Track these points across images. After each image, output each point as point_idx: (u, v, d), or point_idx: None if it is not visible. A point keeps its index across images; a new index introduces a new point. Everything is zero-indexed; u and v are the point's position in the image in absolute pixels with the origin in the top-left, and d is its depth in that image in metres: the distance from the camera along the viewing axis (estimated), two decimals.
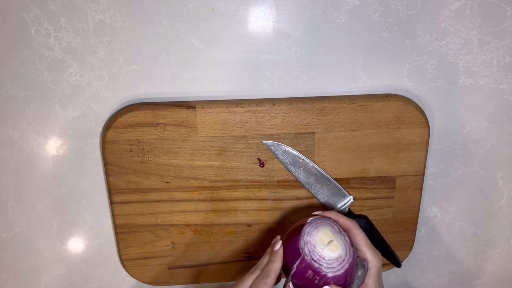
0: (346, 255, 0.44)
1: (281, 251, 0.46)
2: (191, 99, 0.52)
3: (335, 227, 0.46)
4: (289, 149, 0.52)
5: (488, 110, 0.54)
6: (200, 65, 0.51)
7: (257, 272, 0.46)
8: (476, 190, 0.59)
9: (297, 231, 0.46)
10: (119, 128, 0.50)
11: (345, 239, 0.45)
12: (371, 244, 0.47)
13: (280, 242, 0.47)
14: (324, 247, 0.44)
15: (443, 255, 0.63)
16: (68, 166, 0.55)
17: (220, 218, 0.56)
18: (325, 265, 0.44)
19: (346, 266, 0.44)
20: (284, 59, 0.51)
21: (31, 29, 0.48)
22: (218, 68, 0.51)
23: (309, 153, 0.53)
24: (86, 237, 0.58)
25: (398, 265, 0.57)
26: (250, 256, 0.58)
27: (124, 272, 0.60)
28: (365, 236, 0.47)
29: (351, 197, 0.54)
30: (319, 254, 0.44)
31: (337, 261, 0.44)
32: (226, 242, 0.57)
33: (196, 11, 0.48)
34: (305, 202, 0.55)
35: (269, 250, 0.47)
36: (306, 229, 0.46)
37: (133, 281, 0.61)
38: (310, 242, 0.45)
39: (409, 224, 0.58)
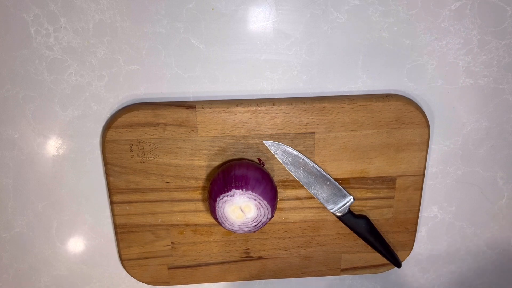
0: (256, 201, 0.48)
1: None
2: (191, 99, 0.52)
3: (230, 196, 0.48)
4: (289, 149, 0.52)
5: (488, 110, 0.54)
6: (200, 65, 0.51)
7: None
8: (476, 190, 0.59)
9: (212, 197, 0.50)
10: (119, 128, 0.50)
11: (243, 195, 0.48)
12: None
13: None
14: (244, 217, 0.49)
15: (443, 255, 0.63)
16: (68, 166, 0.55)
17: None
18: (241, 227, 0.50)
19: (266, 204, 0.49)
20: (284, 59, 0.51)
21: (31, 29, 0.48)
22: (218, 68, 0.51)
23: (309, 153, 0.53)
24: (86, 237, 0.58)
25: (398, 265, 0.57)
26: (250, 256, 0.58)
27: (124, 272, 0.60)
28: None
29: (351, 197, 0.54)
30: (234, 223, 0.50)
31: (253, 220, 0.50)
32: (226, 242, 0.57)
33: (196, 11, 0.48)
34: (305, 202, 0.55)
35: None
36: (218, 204, 0.49)
37: (133, 281, 0.61)
38: (223, 215, 0.49)
39: (409, 224, 0.58)
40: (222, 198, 0.48)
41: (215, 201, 0.49)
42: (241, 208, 0.49)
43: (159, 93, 0.52)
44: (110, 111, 0.52)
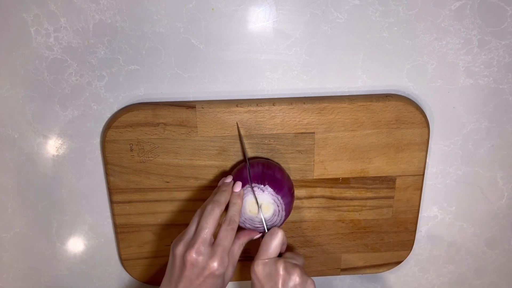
0: (278, 208, 0.49)
1: (242, 193, 0.48)
2: (191, 99, 0.52)
3: (259, 189, 0.48)
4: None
5: (488, 110, 0.54)
6: (200, 65, 0.51)
7: (207, 206, 0.46)
8: (476, 190, 0.59)
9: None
10: (119, 128, 0.50)
11: (272, 196, 0.48)
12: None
13: (240, 183, 0.48)
14: (256, 215, 0.49)
15: (443, 255, 0.63)
16: (68, 166, 0.55)
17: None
18: (245, 221, 0.49)
19: (283, 214, 0.49)
20: (284, 59, 0.51)
21: (31, 29, 0.48)
22: (218, 68, 0.51)
23: (309, 153, 0.53)
24: (86, 237, 0.58)
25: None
26: (250, 256, 0.58)
27: (124, 272, 0.60)
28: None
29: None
30: (253, 221, 0.49)
31: (259, 222, 0.49)
32: None
33: (196, 11, 0.48)
34: (305, 202, 0.55)
35: (223, 188, 0.48)
36: (244, 190, 0.49)
37: (133, 281, 0.61)
38: (242, 214, 0.49)
39: (409, 224, 0.58)
40: (253, 187, 0.48)
41: (243, 185, 0.49)
42: (261, 204, 0.49)
43: (159, 93, 0.52)
44: (110, 111, 0.52)
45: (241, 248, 0.49)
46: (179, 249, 0.44)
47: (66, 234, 0.58)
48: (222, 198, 0.46)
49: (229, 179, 0.49)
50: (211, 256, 0.43)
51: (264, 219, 0.49)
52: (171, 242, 0.56)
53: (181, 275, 0.44)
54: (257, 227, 0.50)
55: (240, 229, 0.50)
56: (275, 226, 0.50)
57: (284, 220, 0.50)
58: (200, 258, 0.43)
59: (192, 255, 0.43)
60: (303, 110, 0.51)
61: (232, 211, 0.46)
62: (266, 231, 0.50)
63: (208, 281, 0.44)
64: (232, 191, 0.48)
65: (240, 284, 0.63)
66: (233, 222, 0.46)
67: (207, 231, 0.44)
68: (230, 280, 0.59)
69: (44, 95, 0.51)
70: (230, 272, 0.47)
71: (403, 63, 0.52)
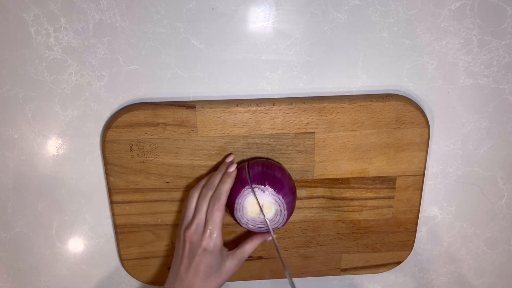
0: (279, 208, 0.49)
1: (234, 174, 0.49)
2: (191, 99, 0.52)
3: (260, 190, 0.48)
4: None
5: (488, 110, 0.54)
6: (200, 65, 0.51)
7: (202, 189, 0.49)
8: (476, 190, 0.59)
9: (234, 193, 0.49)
10: (119, 128, 0.50)
11: (273, 196, 0.48)
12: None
13: (235, 165, 0.50)
14: (258, 215, 0.49)
15: (443, 255, 0.63)
16: (68, 166, 0.55)
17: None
18: (248, 223, 0.50)
19: (285, 213, 0.49)
20: (284, 59, 0.51)
21: (31, 29, 0.48)
22: (218, 68, 0.51)
23: (309, 153, 0.53)
24: (86, 237, 0.58)
25: None
26: (250, 256, 0.58)
27: (124, 272, 0.60)
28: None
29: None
30: (256, 222, 0.50)
31: (275, 215, 0.49)
32: (226, 242, 0.57)
33: (196, 11, 0.48)
34: (305, 202, 0.55)
35: (221, 168, 0.51)
36: (244, 192, 0.49)
37: (133, 281, 0.61)
38: (242, 203, 0.49)
39: (409, 224, 0.58)
40: (253, 188, 0.48)
41: (243, 186, 0.48)
42: (263, 204, 0.49)
43: (159, 93, 0.52)
44: (110, 111, 0.52)
45: (253, 249, 0.50)
46: (181, 230, 0.49)
47: (66, 234, 0.58)
48: (216, 179, 0.49)
49: (230, 158, 0.51)
50: (202, 233, 0.47)
51: (267, 220, 0.49)
52: (171, 242, 0.57)
53: (182, 256, 0.48)
54: (260, 227, 0.50)
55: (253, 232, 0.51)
56: (278, 226, 0.50)
57: (287, 219, 0.50)
58: (194, 236, 0.47)
59: (189, 233, 0.48)
60: (303, 110, 0.51)
61: (219, 189, 0.48)
62: (271, 231, 0.49)
63: (204, 260, 0.47)
64: (225, 171, 0.50)
65: (240, 284, 0.63)
66: (218, 200, 0.47)
67: (202, 212, 0.48)
68: (231, 280, 0.59)
69: (44, 95, 0.51)
70: (233, 264, 0.49)
71: (403, 63, 0.52)
